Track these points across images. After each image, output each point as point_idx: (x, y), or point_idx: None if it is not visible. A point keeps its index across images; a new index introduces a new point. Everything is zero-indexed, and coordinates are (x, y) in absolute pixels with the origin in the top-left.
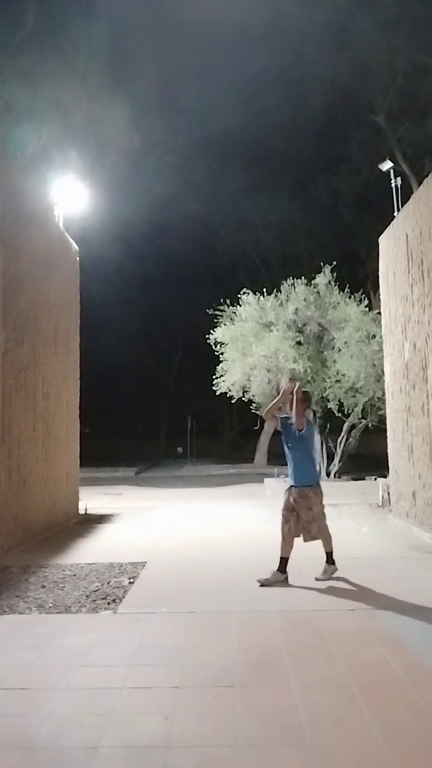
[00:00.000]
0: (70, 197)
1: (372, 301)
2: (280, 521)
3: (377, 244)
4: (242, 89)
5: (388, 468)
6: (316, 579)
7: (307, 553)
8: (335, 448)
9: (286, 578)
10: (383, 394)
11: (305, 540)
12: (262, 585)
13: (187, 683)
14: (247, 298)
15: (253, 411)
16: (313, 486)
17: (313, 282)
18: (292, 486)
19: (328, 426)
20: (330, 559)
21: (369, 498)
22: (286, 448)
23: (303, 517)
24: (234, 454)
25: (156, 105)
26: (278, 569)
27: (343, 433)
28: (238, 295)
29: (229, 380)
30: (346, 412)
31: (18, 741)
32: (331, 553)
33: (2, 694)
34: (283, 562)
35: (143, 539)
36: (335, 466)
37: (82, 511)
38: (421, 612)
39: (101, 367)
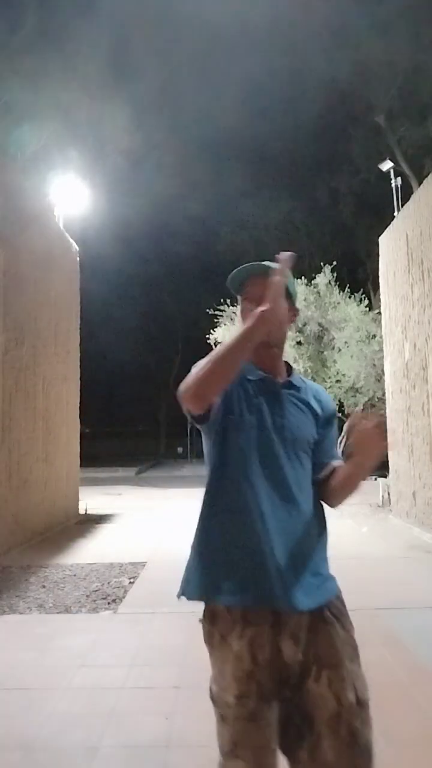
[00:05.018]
0: (70, 197)
1: (372, 301)
2: None
3: (377, 244)
4: (242, 89)
5: (388, 468)
6: None
7: None
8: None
9: None
10: (383, 394)
11: None
12: None
13: (187, 683)
14: None
15: None
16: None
17: (313, 282)
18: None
19: None
20: None
21: (369, 498)
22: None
23: None
24: None
25: (156, 105)
26: None
27: (343, 433)
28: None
29: None
30: (346, 413)
31: (18, 741)
32: None
33: (2, 694)
34: None
35: (143, 539)
36: None
37: (82, 511)
38: (421, 612)
39: (101, 366)
